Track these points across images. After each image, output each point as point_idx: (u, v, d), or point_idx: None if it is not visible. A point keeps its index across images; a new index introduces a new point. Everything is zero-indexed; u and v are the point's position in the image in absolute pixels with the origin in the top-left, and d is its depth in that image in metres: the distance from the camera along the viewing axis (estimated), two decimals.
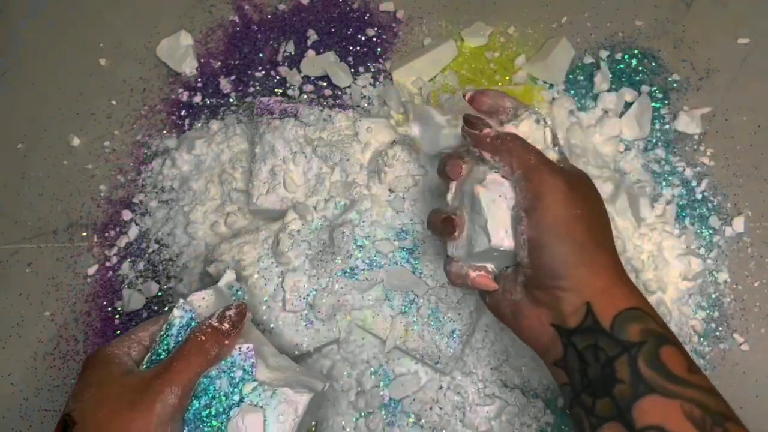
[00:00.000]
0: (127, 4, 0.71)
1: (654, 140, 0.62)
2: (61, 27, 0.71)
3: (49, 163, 0.65)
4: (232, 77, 0.67)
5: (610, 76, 0.64)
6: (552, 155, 0.42)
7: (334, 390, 0.53)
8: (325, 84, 0.65)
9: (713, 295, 0.57)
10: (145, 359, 0.42)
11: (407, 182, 0.54)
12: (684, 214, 0.59)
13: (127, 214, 0.62)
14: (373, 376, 0.53)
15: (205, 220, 0.59)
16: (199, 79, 0.67)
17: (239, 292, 0.48)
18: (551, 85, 0.64)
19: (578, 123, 0.61)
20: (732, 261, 0.58)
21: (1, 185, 0.64)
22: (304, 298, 0.53)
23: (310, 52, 0.66)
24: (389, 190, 0.55)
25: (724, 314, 0.56)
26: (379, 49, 0.67)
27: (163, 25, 0.69)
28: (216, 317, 0.42)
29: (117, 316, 0.58)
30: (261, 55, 0.67)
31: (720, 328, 0.56)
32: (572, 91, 0.64)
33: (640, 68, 0.65)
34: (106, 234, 0.61)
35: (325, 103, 0.64)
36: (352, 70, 0.65)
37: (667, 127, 0.63)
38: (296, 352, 0.52)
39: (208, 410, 0.40)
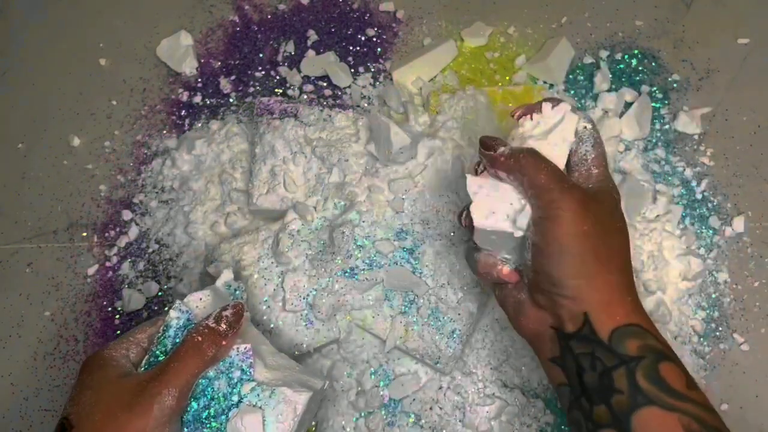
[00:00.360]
0: (127, 4, 0.71)
1: (654, 140, 0.62)
2: (61, 27, 0.71)
3: (49, 163, 0.65)
4: (232, 77, 0.67)
5: (610, 76, 0.64)
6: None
7: (334, 390, 0.53)
8: (325, 84, 0.65)
9: (713, 295, 0.57)
10: (143, 361, 0.42)
11: (407, 184, 0.54)
12: (684, 214, 0.59)
13: (127, 214, 0.62)
14: (373, 376, 0.53)
15: (205, 220, 0.59)
16: (199, 79, 0.67)
17: (237, 292, 0.48)
18: (551, 85, 0.64)
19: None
20: (732, 261, 0.58)
21: (1, 185, 0.64)
22: (304, 298, 0.53)
23: (310, 52, 0.66)
24: (389, 191, 0.55)
25: (724, 314, 0.56)
26: (379, 49, 0.67)
27: (163, 25, 0.69)
28: (213, 318, 0.42)
29: (117, 316, 0.58)
30: (261, 55, 0.67)
31: (720, 328, 0.56)
32: (572, 91, 0.64)
33: (640, 68, 0.65)
34: (106, 234, 0.61)
35: (325, 103, 0.64)
36: (352, 70, 0.65)
37: (667, 127, 0.63)
38: (296, 352, 0.52)
39: (207, 411, 0.40)
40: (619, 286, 0.40)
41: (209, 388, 0.41)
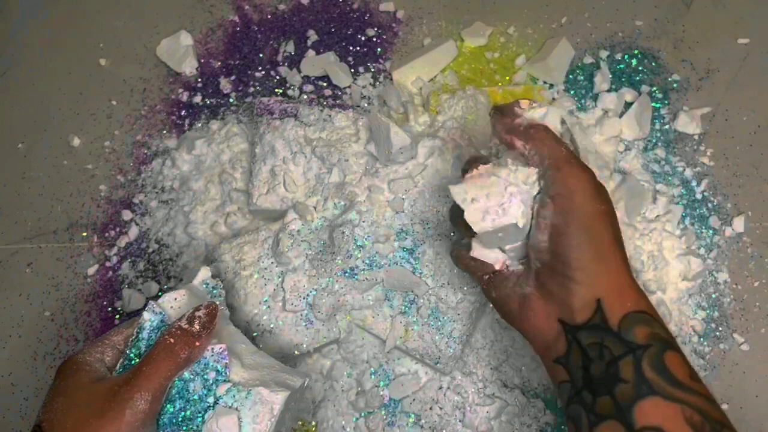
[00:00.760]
0: (127, 4, 0.71)
1: (654, 140, 0.62)
2: (61, 27, 0.71)
3: (49, 163, 0.65)
4: (232, 77, 0.67)
5: (610, 76, 0.64)
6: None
7: (333, 390, 0.53)
8: (325, 84, 0.65)
9: (713, 295, 0.57)
10: (118, 364, 0.42)
11: (407, 184, 0.54)
12: (684, 214, 0.59)
13: (127, 214, 0.62)
14: (373, 376, 0.53)
15: (205, 220, 0.59)
16: (199, 79, 0.67)
17: (215, 291, 0.47)
18: (551, 85, 0.64)
19: (578, 123, 0.61)
20: (732, 261, 0.58)
21: (1, 185, 0.64)
22: (304, 298, 0.53)
23: (310, 52, 0.66)
24: (389, 191, 0.55)
25: (724, 314, 0.56)
26: (379, 49, 0.67)
27: (163, 25, 0.69)
28: (185, 319, 0.41)
29: (117, 316, 0.58)
30: (261, 55, 0.67)
31: (720, 328, 0.56)
32: (572, 91, 0.64)
33: (640, 68, 0.65)
34: (106, 234, 0.61)
35: (325, 103, 0.64)
36: (352, 70, 0.65)
37: (667, 127, 0.63)
38: (296, 352, 0.52)
39: (182, 414, 0.40)
40: (627, 270, 0.40)
41: (184, 390, 0.40)
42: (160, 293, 0.58)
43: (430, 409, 0.52)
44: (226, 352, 0.41)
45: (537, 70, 0.64)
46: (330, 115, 0.58)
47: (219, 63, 0.67)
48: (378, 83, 0.65)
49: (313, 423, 0.53)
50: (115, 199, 0.63)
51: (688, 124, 0.62)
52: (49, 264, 0.61)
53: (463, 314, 0.52)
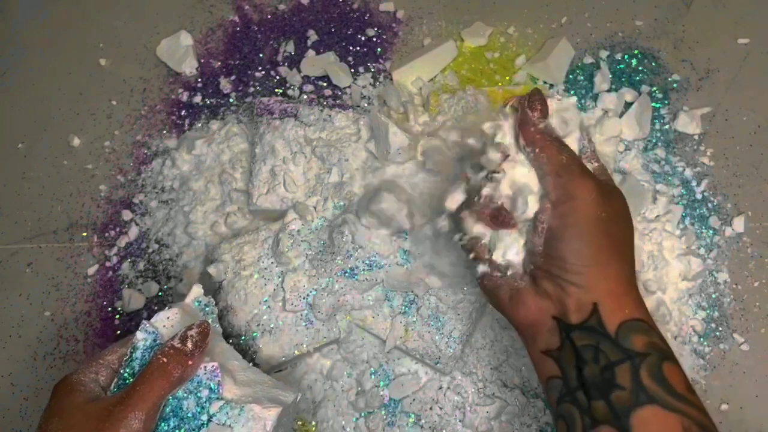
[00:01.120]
0: (127, 4, 0.71)
1: (654, 140, 0.62)
2: (61, 27, 0.71)
3: (49, 163, 0.65)
4: (232, 77, 0.67)
5: (610, 76, 0.64)
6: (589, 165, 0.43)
7: (333, 390, 0.53)
8: (325, 84, 0.65)
9: (713, 295, 0.57)
10: (113, 384, 0.42)
11: (409, 192, 0.54)
12: (684, 214, 0.59)
13: (127, 214, 0.62)
14: (373, 376, 0.53)
15: (205, 220, 0.59)
16: (199, 79, 0.67)
17: (207, 308, 0.47)
18: (551, 85, 0.64)
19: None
20: (732, 261, 0.58)
21: (1, 185, 0.64)
22: (304, 298, 0.53)
23: (310, 52, 0.66)
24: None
25: (724, 314, 0.56)
26: (379, 49, 0.67)
27: (163, 25, 0.69)
28: (178, 338, 0.41)
29: (117, 316, 0.58)
30: (261, 55, 0.67)
31: (720, 328, 0.56)
32: (572, 91, 0.64)
33: (640, 68, 0.65)
34: (106, 234, 0.61)
35: (325, 103, 0.64)
36: (352, 70, 0.65)
37: (667, 127, 0.63)
38: (296, 352, 0.52)
39: (177, 431, 0.40)
40: (628, 278, 0.39)
41: (178, 408, 0.40)
42: (160, 293, 0.58)
43: (430, 409, 0.52)
44: (218, 370, 0.42)
45: (537, 70, 0.64)
46: (330, 115, 0.58)
47: (219, 63, 0.67)
48: (378, 83, 0.65)
49: (313, 423, 0.53)
50: (115, 199, 0.63)
51: (688, 124, 0.62)
52: (49, 264, 0.61)
53: (463, 314, 0.52)
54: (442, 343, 0.51)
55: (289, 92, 0.65)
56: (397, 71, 0.64)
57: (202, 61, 0.68)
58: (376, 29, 0.68)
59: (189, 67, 0.67)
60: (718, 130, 0.62)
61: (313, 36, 0.67)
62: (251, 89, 0.66)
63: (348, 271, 0.53)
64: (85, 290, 0.59)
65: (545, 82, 0.64)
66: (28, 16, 0.72)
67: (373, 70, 0.66)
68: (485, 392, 0.52)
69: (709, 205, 0.60)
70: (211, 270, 0.54)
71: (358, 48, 0.67)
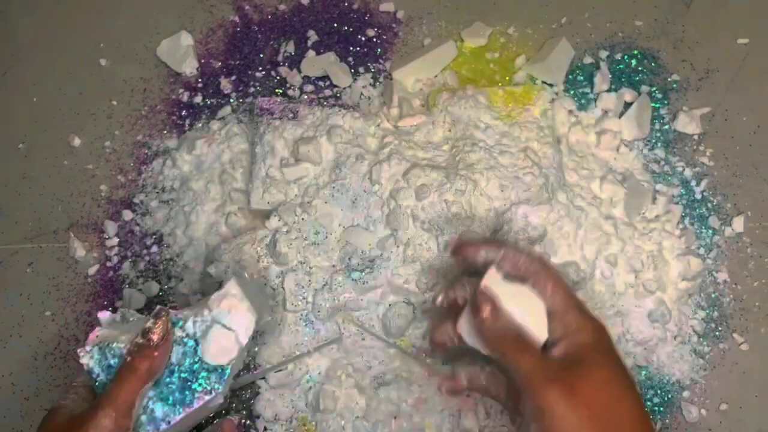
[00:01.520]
0: (127, 4, 0.71)
1: (654, 140, 0.62)
2: (61, 27, 0.71)
3: (50, 163, 0.65)
4: (233, 77, 0.67)
5: (610, 76, 0.64)
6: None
7: (333, 390, 0.53)
8: (325, 84, 0.65)
9: (713, 295, 0.57)
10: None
11: (407, 193, 0.54)
12: (684, 214, 0.59)
13: (127, 214, 0.62)
14: (372, 377, 0.53)
15: (206, 220, 0.59)
16: (200, 79, 0.67)
17: (132, 319, 0.47)
18: (551, 85, 0.64)
19: (578, 123, 0.61)
20: (731, 261, 0.58)
21: (1, 185, 0.64)
22: (304, 298, 0.53)
23: (310, 53, 0.66)
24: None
25: (723, 314, 0.56)
26: (379, 49, 0.67)
27: (163, 25, 0.69)
28: (140, 334, 0.42)
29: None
30: (261, 55, 0.67)
31: (719, 328, 0.56)
32: (572, 91, 0.64)
33: (639, 68, 0.65)
34: (106, 234, 0.61)
35: (325, 103, 0.64)
36: (352, 70, 0.66)
37: (666, 127, 0.63)
38: (296, 353, 0.52)
39: (172, 377, 0.43)
40: None
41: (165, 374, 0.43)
42: (160, 293, 0.58)
43: (430, 409, 0.52)
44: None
45: (537, 70, 0.64)
46: (330, 115, 0.58)
47: (219, 63, 0.67)
48: (378, 83, 0.65)
49: (313, 423, 0.53)
50: (116, 199, 0.63)
51: (687, 124, 0.62)
52: (49, 264, 0.61)
53: None
54: None
55: (289, 92, 0.65)
56: (397, 71, 0.64)
57: (203, 61, 0.68)
58: (376, 29, 0.68)
59: (189, 67, 0.67)
60: (718, 130, 0.62)
61: (313, 36, 0.67)
62: (251, 89, 0.66)
63: (348, 271, 0.53)
64: (85, 290, 0.59)
65: (545, 82, 0.64)
66: (28, 16, 0.72)
67: (373, 70, 0.66)
68: None
69: (709, 205, 0.60)
70: (211, 270, 0.54)
71: (358, 48, 0.67)
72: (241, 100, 0.65)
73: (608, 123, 0.61)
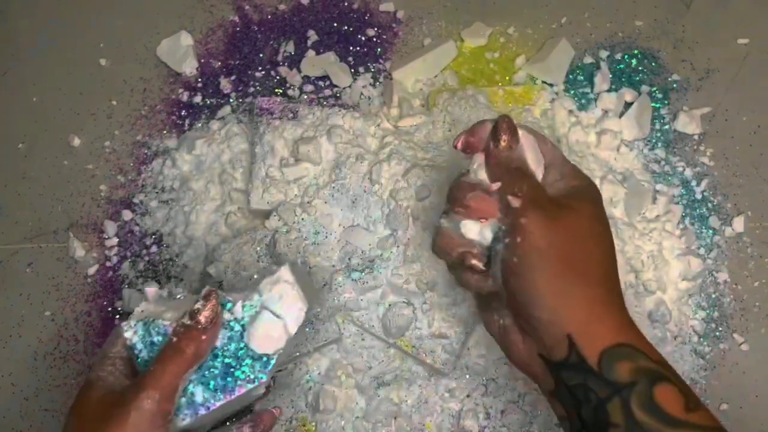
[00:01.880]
0: (127, 4, 0.71)
1: (654, 140, 0.62)
2: (61, 27, 0.71)
3: (50, 163, 0.65)
4: (232, 77, 0.67)
5: (610, 76, 0.64)
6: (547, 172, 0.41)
7: (333, 390, 0.53)
8: (325, 84, 0.65)
9: (713, 295, 0.57)
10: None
11: (407, 193, 0.54)
12: (684, 214, 0.59)
13: (127, 214, 0.62)
14: (372, 377, 0.53)
15: (206, 220, 0.59)
16: (200, 79, 0.67)
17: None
18: (551, 85, 0.64)
19: (578, 123, 0.61)
20: (732, 261, 0.58)
21: (1, 185, 0.64)
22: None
23: (310, 52, 0.66)
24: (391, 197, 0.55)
25: (723, 314, 0.56)
26: (379, 49, 0.67)
27: (163, 25, 0.69)
28: (187, 315, 0.40)
29: (117, 316, 0.58)
30: (261, 55, 0.67)
31: (720, 328, 0.56)
32: (572, 91, 0.64)
33: (640, 68, 0.65)
34: (106, 234, 0.61)
35: (325, 103, 0.64)
36: (352, 70, 0.65)
37: (667, 127, 0.63)
38: (297, 353, 0.52)
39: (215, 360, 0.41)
40: (602, 301, 0.37)
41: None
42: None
43: (429, 409, 0.52)
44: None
45: (537, 70, 0.64)
46: (330, 115, 0.58)
47: (219, 63, 0.67)
48: (378, 83, 0.65)
49: (313, 423, 0.53)
50: (116, 199, 0.63)
51: (688, 124, 0.62)
52: (49, 264, 0.61)
53: (463, 315, 0.52)
54: (441, 343, 0.51)
55: (289, 92, 0.65)
56: (397, 71, 0.64)
57: (202, 61, 0.68)
58: (376, 29, 0.68)
59: (189, 67, 0.67)
60: (718, 130, 0.62)
61: (313, 36, 0.67)
62: (251, 89, 0.66)
63: (348, 271, 0.53)
64: (85, 290, 0.59)
65: (545, 82, 0.64)
66: (28, 16, 0.72)
67: (373, 70, 0.66)
68: (485, 393, 0.52)
69: (709, 205, 0.60)
70: (211, 270, 0.54)
71: (358, 48, 0.67)
72: (240, 100, 0.65)
73: (608, 123, 0.61)
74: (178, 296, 0.45)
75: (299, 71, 0.66)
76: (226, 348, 0.42)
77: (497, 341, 0.42)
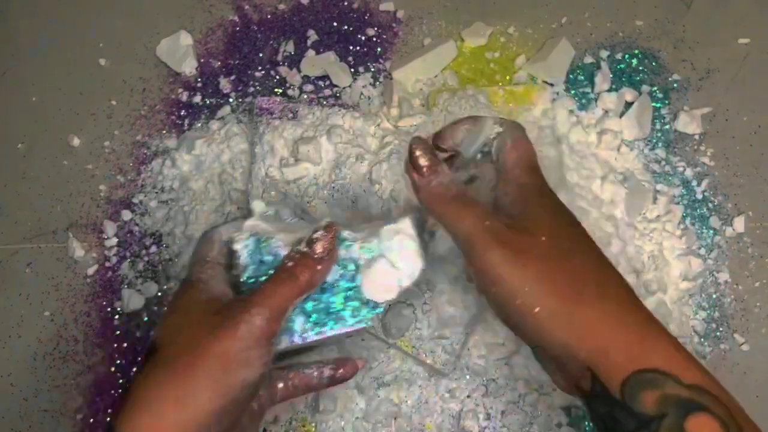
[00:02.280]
0: (127, 4, 0.71)
1: (654, 140, 0.62)
2: (61, 27, 0.71)
3: (49, 163, 0.64)
4: (232, 77, 0.67)
5: (611, 76, 0.64)
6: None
7: (333, 390, 0.53)
8: (325, 84, 0.65)
9: (714, 296, 0.57)
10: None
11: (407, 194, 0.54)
12: (684, 214, 0.59)
13: (126, 214, 0.62)
14: (372, 377, 0.53)
15: (205, 220, 0.59)
16: (199, 79, 0.67)
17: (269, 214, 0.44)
18: (552, 85, 0.64)
19: (579, 123, 0.61)
20: (732, 261, 0.58)
21: (1, 185, 0.64)
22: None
23: (310, 52, 0.66)
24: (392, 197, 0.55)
25: (724, 314, 0.56)
26: (379, 49, 0.67)
27: (163, 25, 0.69)
28: (305, 242, 0.39)
29: (117, 316, 0.58)
30: (261, 54, 0.67)
31: (720, 329, 0.56)
32: (572, 91, 0.64)
33: (640, 68, 0.65)
34: (106, 234, 0.61)
35: (325, 103, 0.64)
36: (352, 70, 0.65)
37: (667, 127, 0.63)
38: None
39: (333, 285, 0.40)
40: (614, 320, 0.33)
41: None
42: (159, 293, 0.58)
43: (429, 409, 0.52)
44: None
45: (537, 70, 0.64)
46: (330, 115, 0.58)
47: (219, 63, 0.67)
48: (378, 83, 0.65)
49: (313, 424, 0.53)
50: (115, 199, 0.63)
51: (688, 124, 0.62)
52: (49, 264, 0.61)
53: (464, 315, 0.52)
54: (441, 343, 0.51)
55: (289, 92, 0.65)
56: (397, 71, 0.64)
57: (202, 61, 0.68)
58: (376, 29, 0.68)
59: (189, 67, 0.67)
60: (719, 130, 0.62)
61: (313, 36, 0.67)
62: (251, 89, 0.66)
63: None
64: (84, 290, 0.59)
65: (545, 82, 0.64)
66: (28, 16, 0.72)
67: (373, 70, 0.66)
68: (485, 393, 0.52)
69: (710, 205, 0.60)
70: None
71: (358, 48, 0.67)
72: (240, 100, 0.65)
73: (609, 123, 0.61)
74: (286, 219, 0.43)
75: (299, 71, 0.66)
76: (336, 285, 0.40)
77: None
